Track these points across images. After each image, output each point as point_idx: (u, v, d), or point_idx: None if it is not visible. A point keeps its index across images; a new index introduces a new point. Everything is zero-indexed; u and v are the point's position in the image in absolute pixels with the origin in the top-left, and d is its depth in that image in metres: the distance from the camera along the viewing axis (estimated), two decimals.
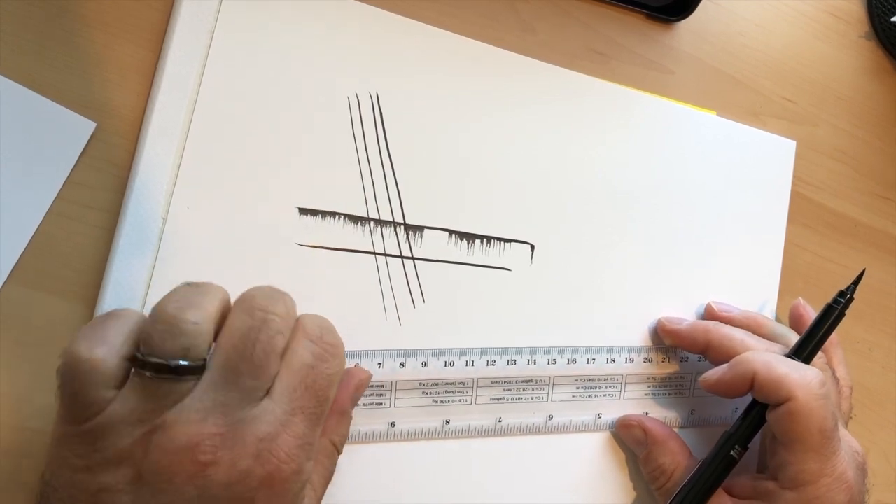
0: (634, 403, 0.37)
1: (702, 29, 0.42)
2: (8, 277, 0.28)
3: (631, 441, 0.36)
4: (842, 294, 0.34)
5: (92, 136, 0.30)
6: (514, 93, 0.36)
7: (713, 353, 0.35)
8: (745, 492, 0.33)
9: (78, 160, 0.30)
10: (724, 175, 0.40)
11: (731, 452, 0.32)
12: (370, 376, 0.31)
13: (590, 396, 0.36)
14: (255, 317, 0.24)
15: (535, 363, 0.35)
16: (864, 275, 0.35)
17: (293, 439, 0.24)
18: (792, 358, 0.33)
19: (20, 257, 0.29)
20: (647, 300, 0.38)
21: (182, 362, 0.23)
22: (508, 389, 0.34)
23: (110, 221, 0.30)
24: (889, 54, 0.47)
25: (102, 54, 0.31)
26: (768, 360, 0.31)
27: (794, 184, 0.42)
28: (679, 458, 0.34)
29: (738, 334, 0.35)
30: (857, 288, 0.34)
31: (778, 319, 0.41)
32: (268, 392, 0.24)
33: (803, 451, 0.30)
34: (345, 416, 0.29)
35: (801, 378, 0.30)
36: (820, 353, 0.34)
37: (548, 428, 0.35)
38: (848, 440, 0.33)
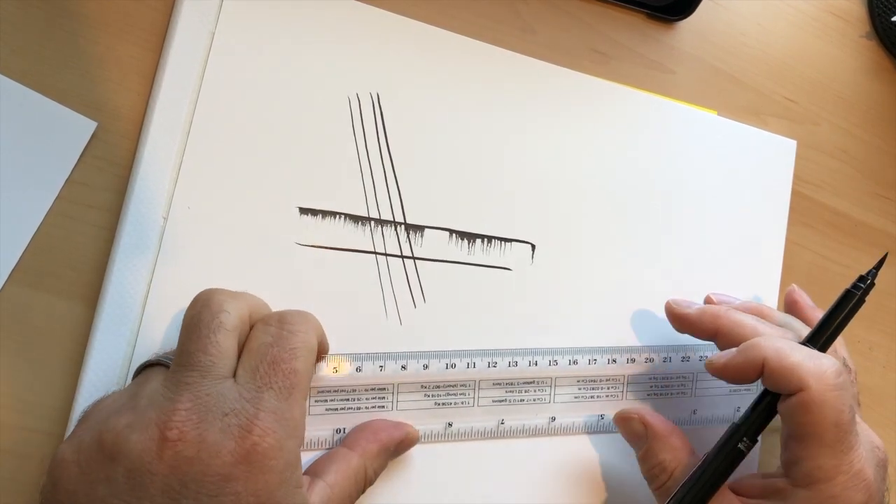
0: (636, 404, 0.36)
1: (702, 28, 0.42)
2: (8, 277, 0.28)
3: (629, 435, 0.34)
4: (862, 279, 0.32)
5: (93, 136, 0.30)
6: (515, 92, 0.36)
7: (723, 339, 0.33)
8: (754, 491, 0.30)
9: (78, 160, 0.30)
10: (724, 175, 0.40)
11: (739, 445, 0.30)
12: (419, 437, 0.31)
13: (592, 397, 0.36)
14: (197, 304, 0.26)
15: (536, 364, 0.34)
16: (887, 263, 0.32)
17: (266, 413, 0.24)
18: (806, 345, 0.31)
19: (20, 257, 0.29)
20: (648, 300, 0.38)
21: (154, 358, 0.27)
22: (510, 391, 0.34)
23: (111, 221, 0.30)
24: (890, 54, 0.47)
25: (103, 54, 0.31)
26: (780, 346, 0.29)
27: (794, 183, 0.42)
28: (681, 454, 0.32)
29: (749, 320, 0.33)
30: (879, 273, 0.32)
31: None
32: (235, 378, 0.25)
33: (818, 447, 0.28)
34: (386, 453, 0.30)
35: (816, 367, 0.28)
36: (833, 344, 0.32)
37: (550, 429, 0.35)
38: (867, 434, 0.30)
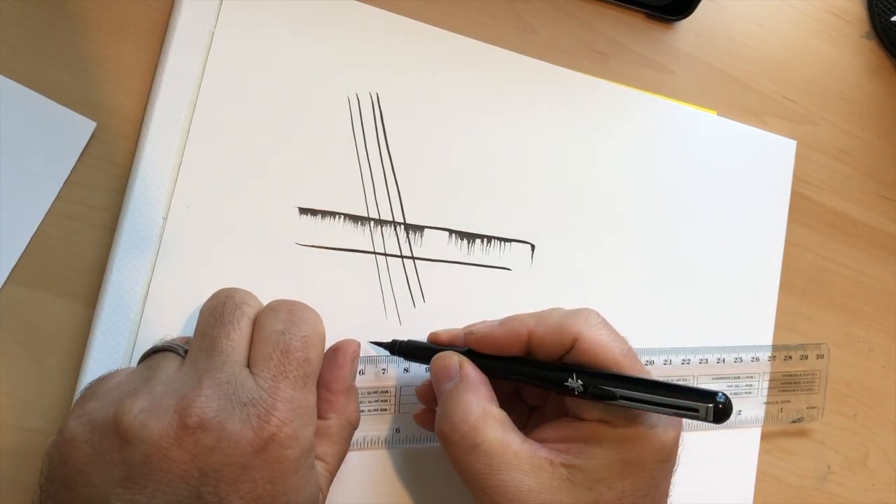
0: None
1: (702, 28, 0.42)
2: (8, 277, 0.28)
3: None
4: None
5: (92, 136, 0.30)
6: (514, 92, 0.36)
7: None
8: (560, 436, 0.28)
9: (78, 160, 0.30)
10: (724, 175, 0.40)
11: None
12: (360, 344, 0.30)
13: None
14: (220, 296, 0.27)
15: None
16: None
17: (283, 404, 0.24)
18: None
19: (20, 257, 0.29)
20: (647, 299, 0.38)
21: (164, 344, 0.26)
22: None
23: (110, 221, 0.30)
24: (889, 54, 0.47)
25: (102, 54, 0.31)
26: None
27: (794, 183, 0.42)
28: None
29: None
30: None
31: (778, 319, 0.41)
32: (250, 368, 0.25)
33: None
34: (352, 392, 0.29)
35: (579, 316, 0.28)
36: None
37: None
38: None
